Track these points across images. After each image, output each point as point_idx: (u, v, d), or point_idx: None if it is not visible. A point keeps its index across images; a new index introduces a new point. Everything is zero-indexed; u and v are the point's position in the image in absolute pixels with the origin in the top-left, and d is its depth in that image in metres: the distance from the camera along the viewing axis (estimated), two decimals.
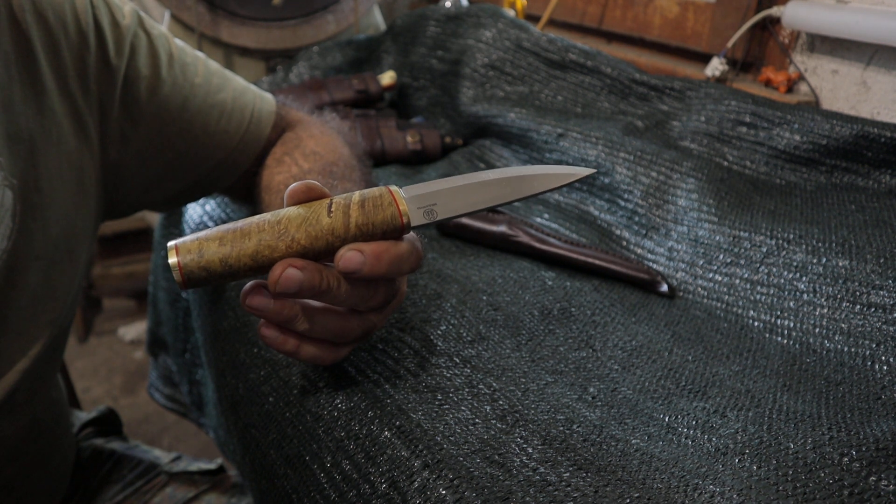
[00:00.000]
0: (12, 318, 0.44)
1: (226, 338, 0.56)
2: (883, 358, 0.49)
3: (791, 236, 0.59)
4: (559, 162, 0.77)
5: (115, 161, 0.52)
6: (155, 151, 0.53)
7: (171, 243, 0.35)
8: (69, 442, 0.64)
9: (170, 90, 0.52)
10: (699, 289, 0.61)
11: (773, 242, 0.59)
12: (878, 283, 0.52)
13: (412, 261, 0.38)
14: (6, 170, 0.42)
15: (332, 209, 0.35)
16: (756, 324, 0.56)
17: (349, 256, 0.35)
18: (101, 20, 0.48)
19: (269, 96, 0.60)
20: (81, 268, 0.50)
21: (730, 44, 0.89)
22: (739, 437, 0.41)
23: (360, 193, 0.37)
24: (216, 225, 0.69)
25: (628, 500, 0.34)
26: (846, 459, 0.38)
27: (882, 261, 0.53)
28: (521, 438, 0.38)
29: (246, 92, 0.58)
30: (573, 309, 0.55)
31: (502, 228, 0.64)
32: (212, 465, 0.71)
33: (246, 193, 0.61)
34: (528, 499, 0.33)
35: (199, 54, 0.56)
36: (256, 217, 0.36)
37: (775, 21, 0.86)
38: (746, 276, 0.59)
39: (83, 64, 0.47)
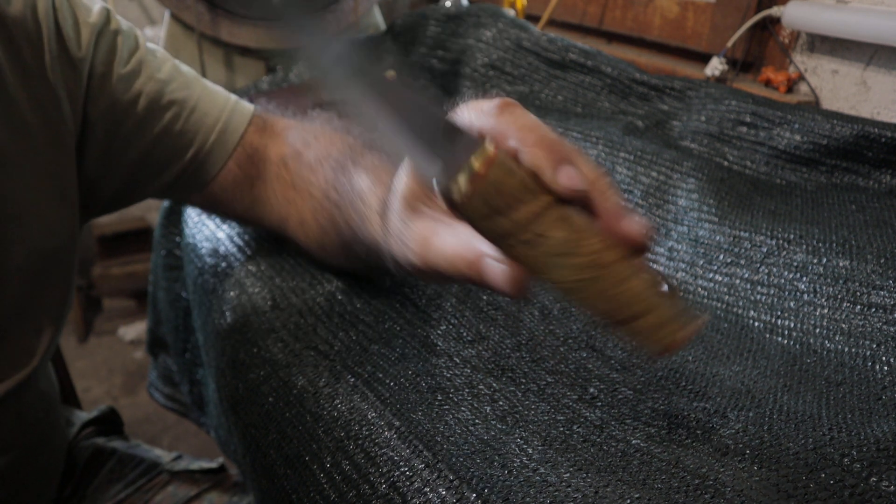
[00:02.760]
0: None
1: (226, 338, 0.56)
2: (884, 358, 0.49)
3: (791, 236, 0.59)
4: None
5: (86, 168, 0.51)
6: (116, 153, 0.52)
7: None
8: (60, 435, 0.64)
9: (123, 85, 0.50)
10: (699, 289, 0.61)
11: (774, 242, 0.59)
12: (878, 283, 0.52)
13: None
14: None
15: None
16: (756, 324, 0.56)
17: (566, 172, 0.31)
18: (63, 21, 0.47)
19: (245, 102, 0.58)
20: (71, 274, 0.50)
21: (730, 44, 0.89)
22: (740, 438, 0.41)
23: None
24: (215, 224, 0.69)
25: (628, 501, 0.34)
26: (847, 460, 0.38)
27: (883, 261, 0.53)
28: (521, 439, 0.38)
29: (217, 94, 0.56)
30: (573, 309, 0.55)
31: None
32: (213, 464, 0.71)
33: (242, 211, 0.59)
34: (528, 499, 0.33)
35: (169, 57, 0.55)
36: None
37: (775, 21, 0.86)
38: (747, 276, 0.59)
39: (48, 69, 0.46)
